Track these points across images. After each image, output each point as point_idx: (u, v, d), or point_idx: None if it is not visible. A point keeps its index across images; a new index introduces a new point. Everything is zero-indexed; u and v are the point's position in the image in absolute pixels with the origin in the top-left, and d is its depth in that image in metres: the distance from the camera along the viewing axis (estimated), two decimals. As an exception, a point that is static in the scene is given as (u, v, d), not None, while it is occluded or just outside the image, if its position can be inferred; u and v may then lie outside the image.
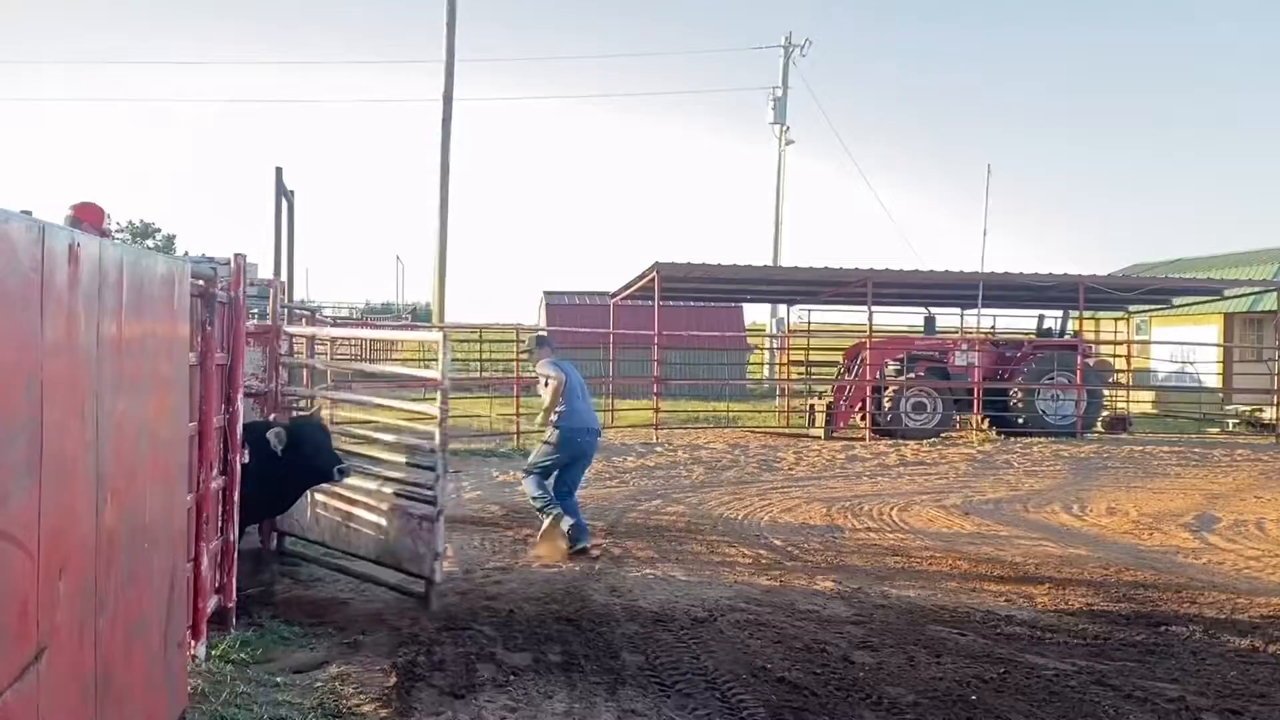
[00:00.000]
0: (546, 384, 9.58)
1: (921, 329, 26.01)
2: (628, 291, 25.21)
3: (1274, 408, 24.47)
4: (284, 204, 12.72)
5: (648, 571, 8.77)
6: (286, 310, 9.55)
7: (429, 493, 7.23)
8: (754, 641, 6.65)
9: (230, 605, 6.34)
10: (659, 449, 18.73)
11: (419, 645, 6.37)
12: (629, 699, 5.56)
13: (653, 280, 22.14)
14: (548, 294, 39.11)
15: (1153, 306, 28.96)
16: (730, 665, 6.11)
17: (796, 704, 5.48)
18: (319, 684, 5.56)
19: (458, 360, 33.99)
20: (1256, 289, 26.24)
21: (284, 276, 12.25)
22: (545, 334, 10.86)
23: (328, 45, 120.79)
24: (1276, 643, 6.82)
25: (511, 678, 5.84)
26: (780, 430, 23.71)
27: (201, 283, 5.50)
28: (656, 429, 20.93)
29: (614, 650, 6.39)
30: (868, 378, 22.31)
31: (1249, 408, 25.98)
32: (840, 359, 25.03)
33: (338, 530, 7.99)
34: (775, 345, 33.63)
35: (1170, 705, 5.57)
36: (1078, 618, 7.46)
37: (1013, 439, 21.28)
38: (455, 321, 30.05)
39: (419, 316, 51.47)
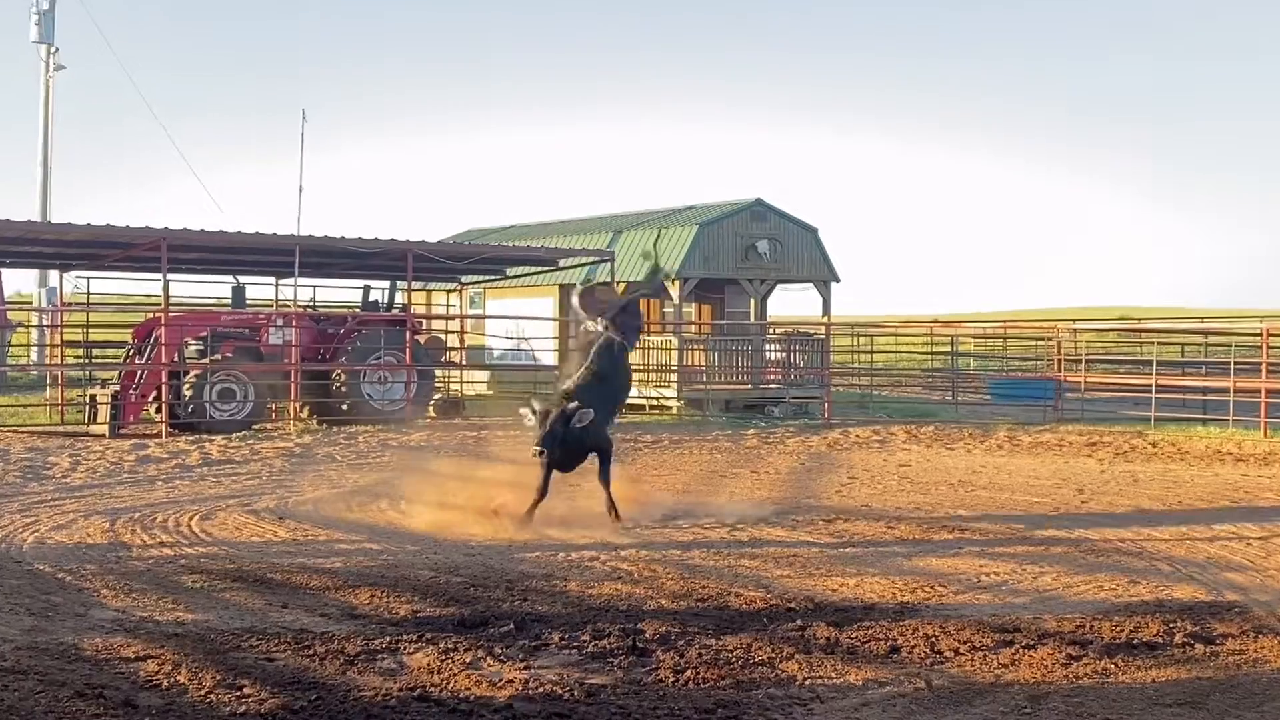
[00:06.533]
0: None
1: (229, 301, 25.74)
2: None
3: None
4: None
5: None
6: None
7: None
8: (9, 695, 6.22)
9: None
10: (-118, 458, 16.89)
11: None
12: None
13: None
14: None
15: (487, 277, 30.92)
16: (-26, 729, 5.67)
17: (62, 767, 5.21)
18: None
19: None
20: (591, 259, 28.94)
21: None
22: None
23: None
24: (603, 636, 7.57)
25: None
26: (53, 429, 22.35)
27: None
28: (-121, 432, 18.84)
29: None
30: (163, 361, 21.68)
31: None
32: (129, 338, 24.08)
33: None
34: (45, 322, 31.59)
35: (497, 714, 6.00)
36: (402, 627, 7.79)
37: (336, 428, 21.74)
38: None
39: None
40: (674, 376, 27.36)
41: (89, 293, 27.56)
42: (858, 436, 22.28)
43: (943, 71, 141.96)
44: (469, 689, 6.43)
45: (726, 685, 6.54)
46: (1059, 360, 29.23)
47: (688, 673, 6.71)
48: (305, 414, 23.50)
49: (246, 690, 6.34)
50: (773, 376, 29.09)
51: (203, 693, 6.31)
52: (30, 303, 37.17)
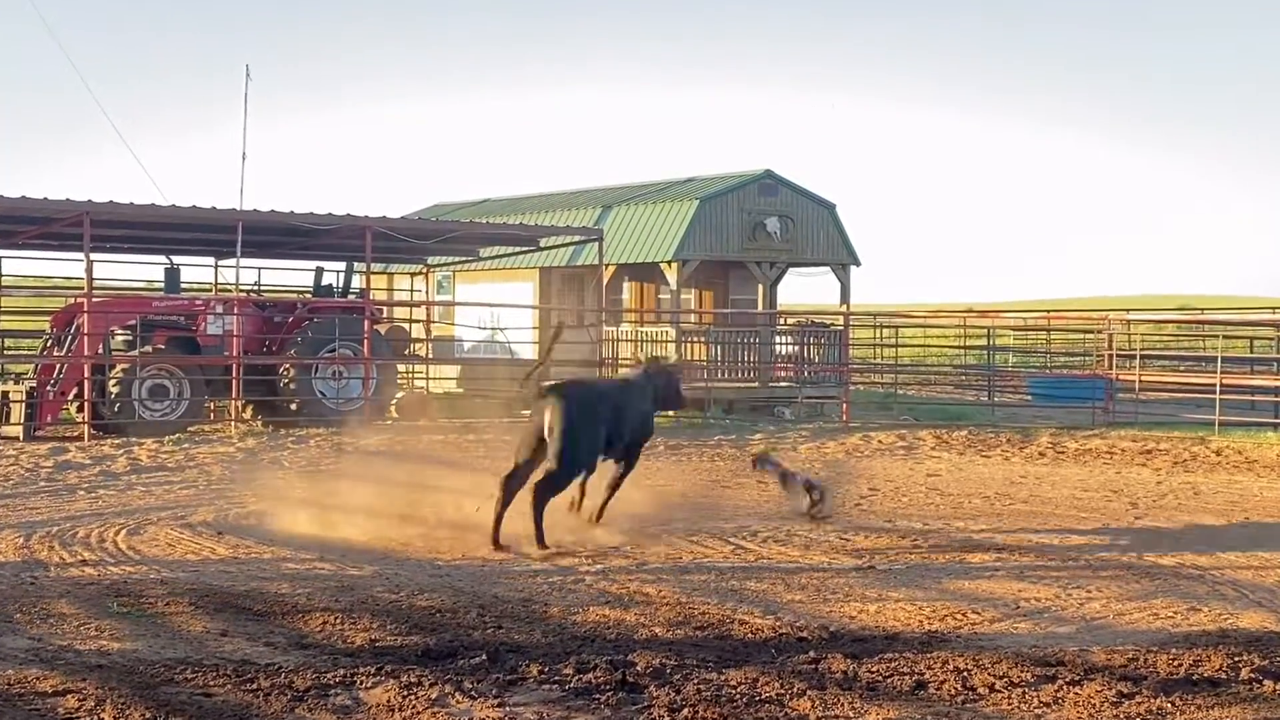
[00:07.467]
0: None
1: (162, 286, 25.69)
2: None
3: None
4: None
5: None
6: None
7: None
8: (-92, 735, 6.22)
9: None
10: None
11: None
12: None
13: None
14: None
15: (457, 259, 30.87)
16: None
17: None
18: None
19: None
20: (577, 238, 28.88)
21: None
22: None
23: None
24: (589, 669, 7.59)
25: None
26: (-42, 430, 22.33)
27: None
28: None
29: None
30: (86, 353, 21.64)
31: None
32: (47, 327, 24.05)
33: None
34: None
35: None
36: (359, 658, 7.78)
37: (284, 430, 21.71)
38: None
39: None
40: (670, 373, 27.27)
41: (0, 274, 27.48)
42: (880, 442, 22.28)
43: (978, 26, 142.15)
44: (435, 729, 6.43)
45: (729, 726, 6.54)
46: (1110, 356, 29.23)
47: (684, 711, 6.70)
48: (248, 414, 23.45)
49: (181, 731, 6.34)
50: (784, 373, 29.08)
51: (130, 733, 6.31)
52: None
